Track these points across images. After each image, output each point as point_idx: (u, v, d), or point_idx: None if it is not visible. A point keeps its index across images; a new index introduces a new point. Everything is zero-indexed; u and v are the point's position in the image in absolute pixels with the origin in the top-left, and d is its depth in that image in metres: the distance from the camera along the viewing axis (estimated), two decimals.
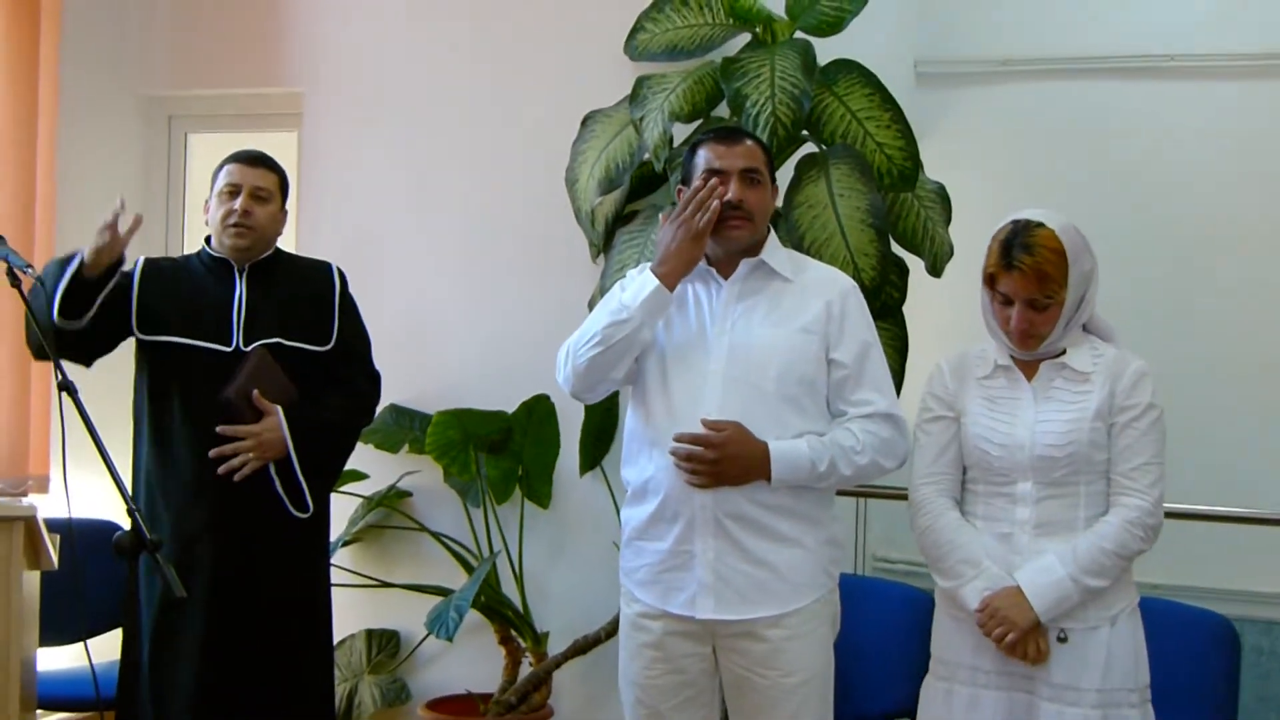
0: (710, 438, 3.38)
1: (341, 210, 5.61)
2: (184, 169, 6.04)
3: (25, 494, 5.35)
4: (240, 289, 4.03)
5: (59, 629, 4.05)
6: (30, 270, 3.61)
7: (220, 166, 4.08)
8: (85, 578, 3.54)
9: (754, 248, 3.58)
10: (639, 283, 3.49)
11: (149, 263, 4.10)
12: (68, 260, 3.79)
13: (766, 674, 3.45)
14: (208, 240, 4.12)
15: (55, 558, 3.50)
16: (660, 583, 3.52)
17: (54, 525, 3.59)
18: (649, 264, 3.55)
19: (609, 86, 5.04)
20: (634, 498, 3.61)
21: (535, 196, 5.26)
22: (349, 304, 4.20)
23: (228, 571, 3.90)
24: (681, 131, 4.70)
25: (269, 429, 3.88)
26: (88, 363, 4.01)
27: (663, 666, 3.53)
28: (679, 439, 3.40)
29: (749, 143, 3.60)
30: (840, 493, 3.71)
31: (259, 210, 4.03)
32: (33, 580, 3.44)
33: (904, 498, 3.59)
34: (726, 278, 3.57)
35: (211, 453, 3.85)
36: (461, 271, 5.43)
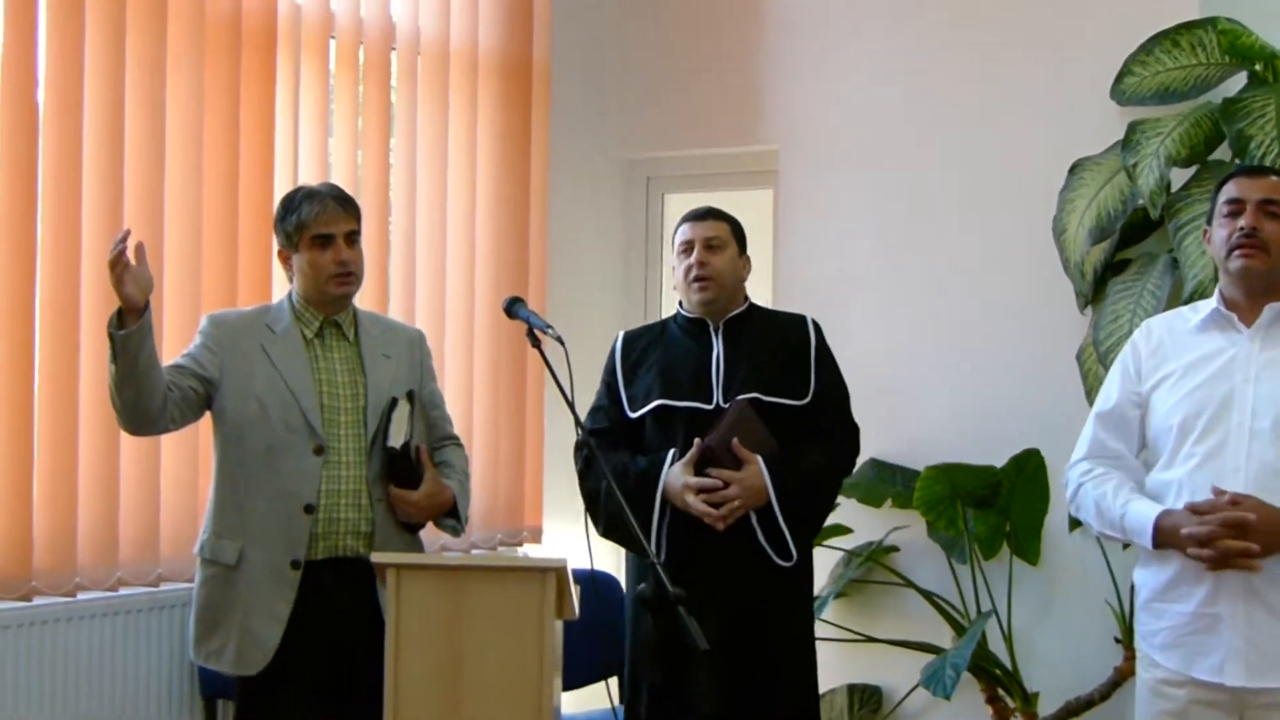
0: (1242, 519, 3.24)
1: (817, 263, 5.64)
2: (661, 229, 6.22)
3: (521, 544, 5.60)
4: (718, 347, 4.08)
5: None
6: (550, 330, 3.77)
7: (675, 230, 4.18)
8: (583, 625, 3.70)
9: (1276, 291, 3.43)
10: (1137, 520, 3.43)
11: (626, 340, 4.21)
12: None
13: None
14: (681, 305, 4.20)
15: (577, 607, 3.65)
16: (1184, 646, 3.40)
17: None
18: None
19: (1095, 133, 4.94)
20: (1151, 557, 3.50)
21: (1019, 246, 5.18)
22: (826, 356, 4.16)
23: (715, 620, 3.84)
24: (1178, 177, 4.55)
25: (750, 476, 3.90)
26: None
27: None
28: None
29: (1273, 177, 3.53)
30: None
31: (714, 259, 4.06)
32: (558, 629, 3.59)
33: None
34: (1248, 325, 3.44)
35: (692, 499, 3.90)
36: (941, 323, 5.38)
